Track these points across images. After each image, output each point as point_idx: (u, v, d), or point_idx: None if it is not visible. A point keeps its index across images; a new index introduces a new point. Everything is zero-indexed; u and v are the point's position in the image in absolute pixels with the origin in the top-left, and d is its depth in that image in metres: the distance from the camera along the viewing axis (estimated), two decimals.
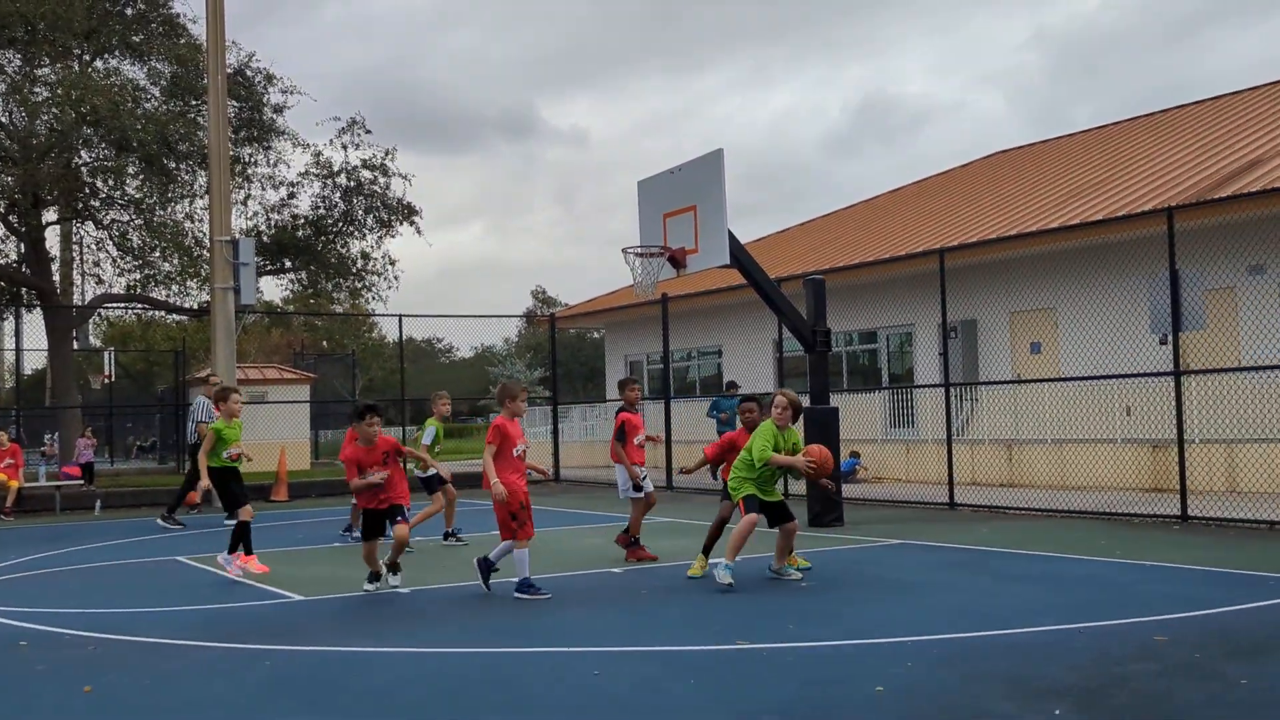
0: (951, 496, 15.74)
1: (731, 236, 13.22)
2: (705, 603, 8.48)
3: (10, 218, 24.16)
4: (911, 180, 33.70)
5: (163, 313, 29.12)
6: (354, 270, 26.86)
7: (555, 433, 25.78)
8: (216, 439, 10.96)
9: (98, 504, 19.68)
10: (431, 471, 12.14)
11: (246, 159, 25.64)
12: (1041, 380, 18.03)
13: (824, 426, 14.29)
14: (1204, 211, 15.33)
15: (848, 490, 15.81)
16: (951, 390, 16.77)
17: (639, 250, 13.97)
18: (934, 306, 16.63)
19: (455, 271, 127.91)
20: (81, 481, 21.44)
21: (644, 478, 10.99)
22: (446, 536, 12.78)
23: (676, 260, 13.69)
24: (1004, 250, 19.85)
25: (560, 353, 29.53)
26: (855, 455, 20.79)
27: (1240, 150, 19.76)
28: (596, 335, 48.60)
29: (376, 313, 29.08)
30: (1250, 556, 10.15)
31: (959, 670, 6.04)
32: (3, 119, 23.71)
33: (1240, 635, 6.81)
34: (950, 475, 15.85)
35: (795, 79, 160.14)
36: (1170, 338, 13.28)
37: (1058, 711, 5.17)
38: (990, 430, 20.17)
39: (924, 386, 20.99)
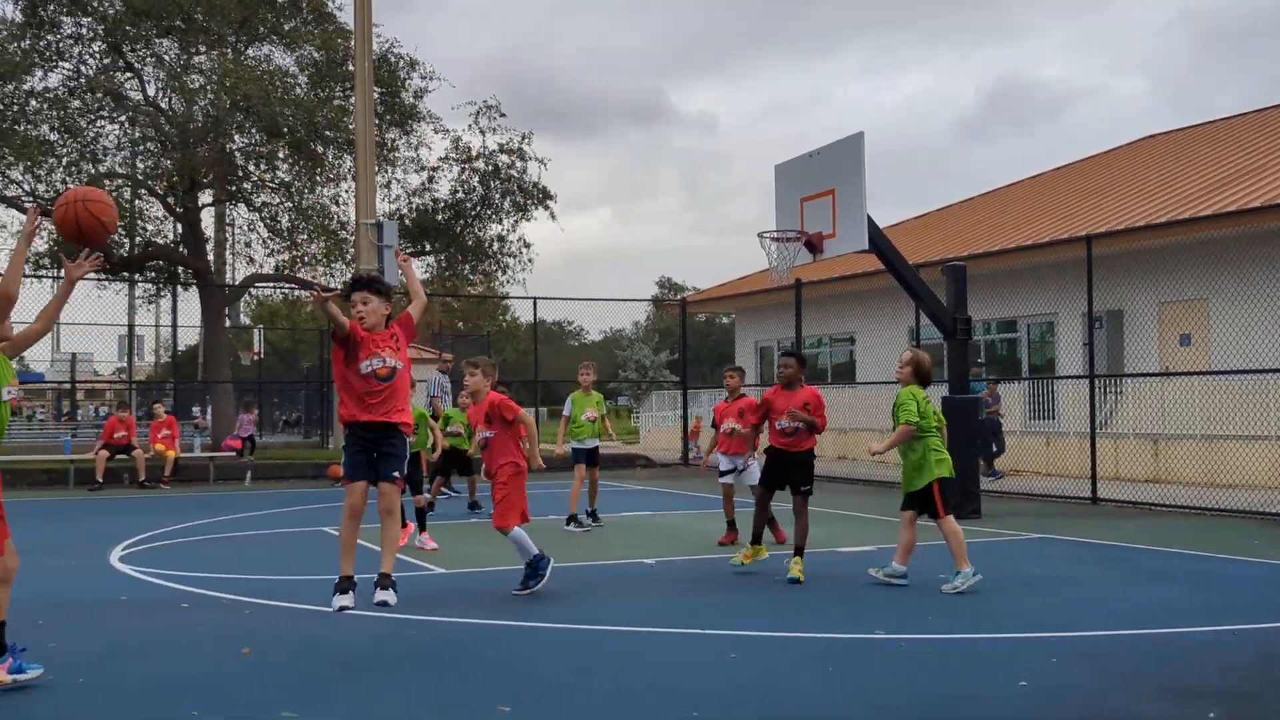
0: (1094, 491, 15.31)
1: (870, 221, 13.06)
2: (841, 591, 8.45)
3: (169, 200, 25.29)
4: (1050, 167, 32.71)
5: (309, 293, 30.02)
6: (490, 254, 27.31)
7: (685, 417, 25.87)
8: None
9: (248, 475, 20.49)
10: (590, 444, 12.37)
11: (389, 144, 26.27)
12: (1191, 374, 17.34)
13: (964, 416, 14.04)
14: None
15: (984, 483, 15.48)
16: (1096, 382, 16.29)
17: (775, 235, 13.91)
18: (1077, 296, 16.17)
19: (580, 258, 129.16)
20: (236, 453, 22.24)
21: (717, 464, 11.08)
22: (569, 520, 12.42)
23: (813, 245, 13.59)
24: (1153, 238, 19.15)
25: (689, 337, 29.57)
26: (989, 384, 19.99)
27: None
28: (726, 320, 48.51)
29: (512, 295, 29.53)
30: None
31: (1105, 668, 5.91)
32: (163, 105, 24.77)
33: None
34: (1093, 469, 15.42)
35: (925, 63, 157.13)
36: None
37: (1211, 715, 5.02)
38: (1135, 424, 19.52)
39: (1067, 378, 20.43)
